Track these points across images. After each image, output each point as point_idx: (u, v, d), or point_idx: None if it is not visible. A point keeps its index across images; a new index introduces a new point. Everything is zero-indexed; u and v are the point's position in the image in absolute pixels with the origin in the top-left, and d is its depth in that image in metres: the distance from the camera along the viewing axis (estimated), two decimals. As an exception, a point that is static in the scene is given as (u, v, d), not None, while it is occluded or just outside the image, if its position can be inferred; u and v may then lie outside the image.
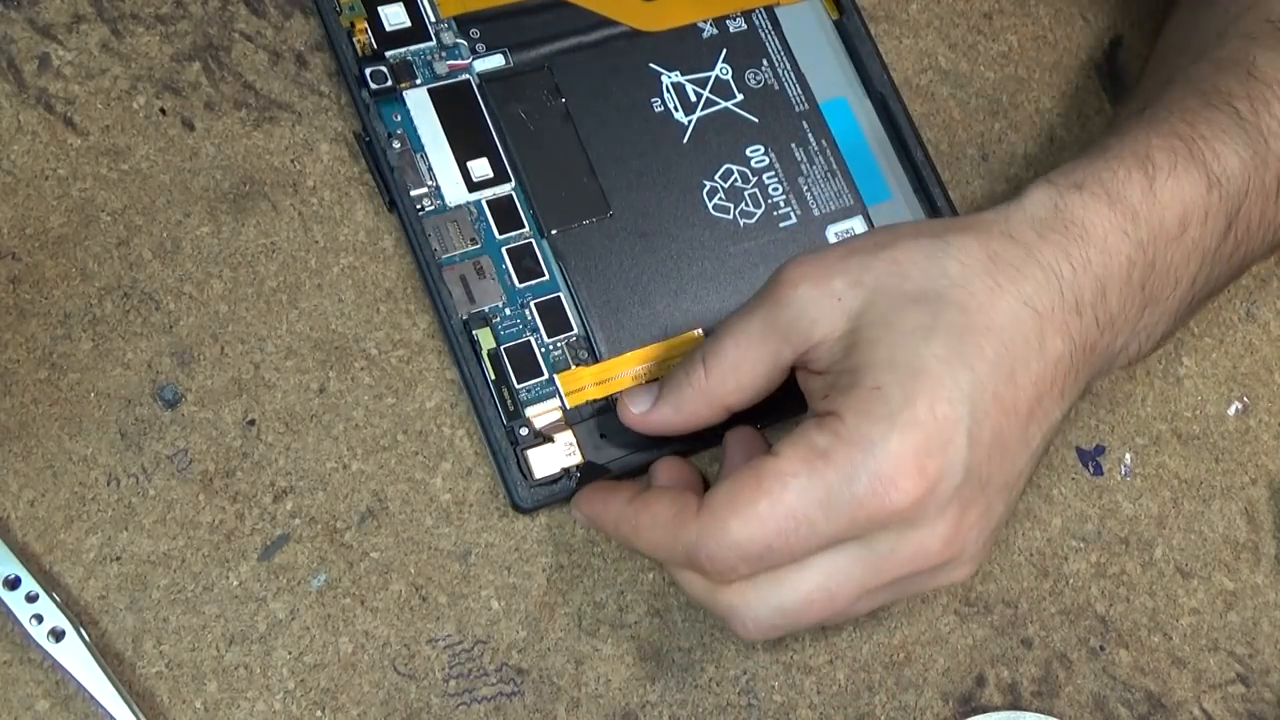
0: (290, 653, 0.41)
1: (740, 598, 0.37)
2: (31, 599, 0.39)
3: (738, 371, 0.39)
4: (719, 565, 0.36)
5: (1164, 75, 0.46)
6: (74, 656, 0.38)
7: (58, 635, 0.38)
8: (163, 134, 0.45)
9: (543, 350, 0.44)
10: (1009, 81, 0.53)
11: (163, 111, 0.45)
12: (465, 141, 0.45)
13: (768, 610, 0.37)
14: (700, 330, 0.45)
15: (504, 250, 0.44)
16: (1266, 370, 0.51)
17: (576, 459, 0.42)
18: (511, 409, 0.42)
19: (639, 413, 0.41)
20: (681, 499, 0.37)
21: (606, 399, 0.43)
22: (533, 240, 0.45)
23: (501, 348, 0.43)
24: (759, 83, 0.49)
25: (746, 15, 0.50)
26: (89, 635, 0.39)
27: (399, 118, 0.45)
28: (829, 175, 0.48)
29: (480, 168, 0.45)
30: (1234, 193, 0.41)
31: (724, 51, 0.49)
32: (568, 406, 0.43)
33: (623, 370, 0.44)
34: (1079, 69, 0.54)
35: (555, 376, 0.43)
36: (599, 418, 0.43)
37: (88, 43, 0.45)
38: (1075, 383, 0.40)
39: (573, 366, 0.44)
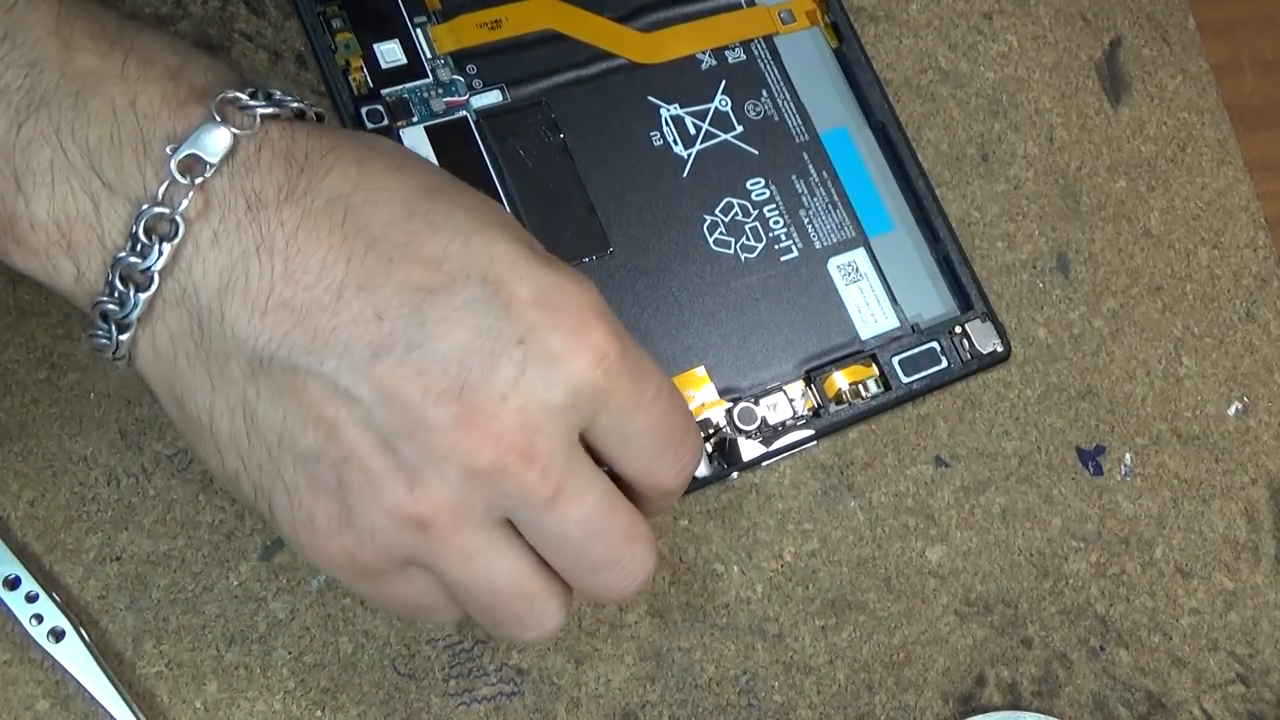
0: (290, 653, 0.41)
1: None
2: (31, 599, 0.39)
3: None
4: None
5: None
6: (74, 656, 0.38)
7: (58, 635, 0.38)
8: (163, 134, 0.45)
9: None
10: (1009, 81, 0.53)
11: (163, 111, 0.45)
12: (464, 179, 0.45)
13: None
14: (703, 369, 0.45)
15: None
16: (1266, 370, 0.51)
17: None
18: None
19: None
20: None
21: None
22: None
23: None
24: (759, 114, 0.49)
25: (745, 45, 0.49)
26: (89, 635, 0.39)
27: None
28: (830, 207, 0.48)
29: None
30: None
31: (723, 83, 0.48)
32: None
33: None
34: (1079, 69, 0.54)
35: None
36: None
37: (88, 43, 0.45)
38: None
39: None
